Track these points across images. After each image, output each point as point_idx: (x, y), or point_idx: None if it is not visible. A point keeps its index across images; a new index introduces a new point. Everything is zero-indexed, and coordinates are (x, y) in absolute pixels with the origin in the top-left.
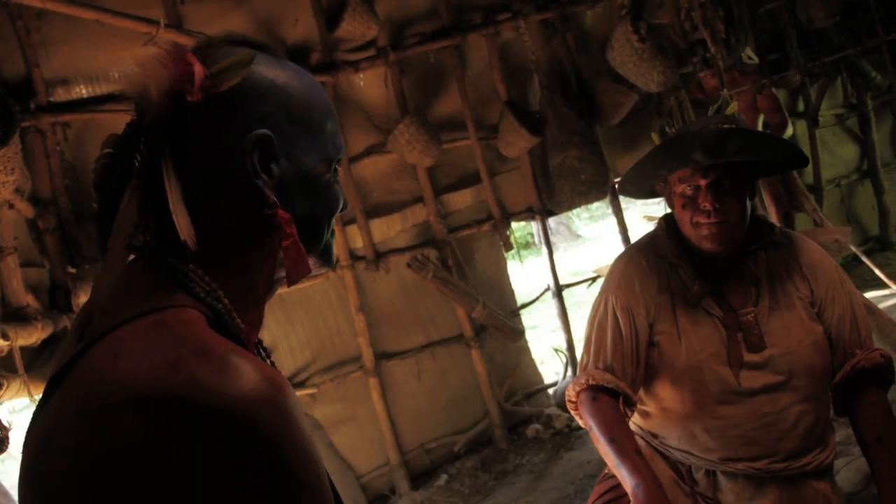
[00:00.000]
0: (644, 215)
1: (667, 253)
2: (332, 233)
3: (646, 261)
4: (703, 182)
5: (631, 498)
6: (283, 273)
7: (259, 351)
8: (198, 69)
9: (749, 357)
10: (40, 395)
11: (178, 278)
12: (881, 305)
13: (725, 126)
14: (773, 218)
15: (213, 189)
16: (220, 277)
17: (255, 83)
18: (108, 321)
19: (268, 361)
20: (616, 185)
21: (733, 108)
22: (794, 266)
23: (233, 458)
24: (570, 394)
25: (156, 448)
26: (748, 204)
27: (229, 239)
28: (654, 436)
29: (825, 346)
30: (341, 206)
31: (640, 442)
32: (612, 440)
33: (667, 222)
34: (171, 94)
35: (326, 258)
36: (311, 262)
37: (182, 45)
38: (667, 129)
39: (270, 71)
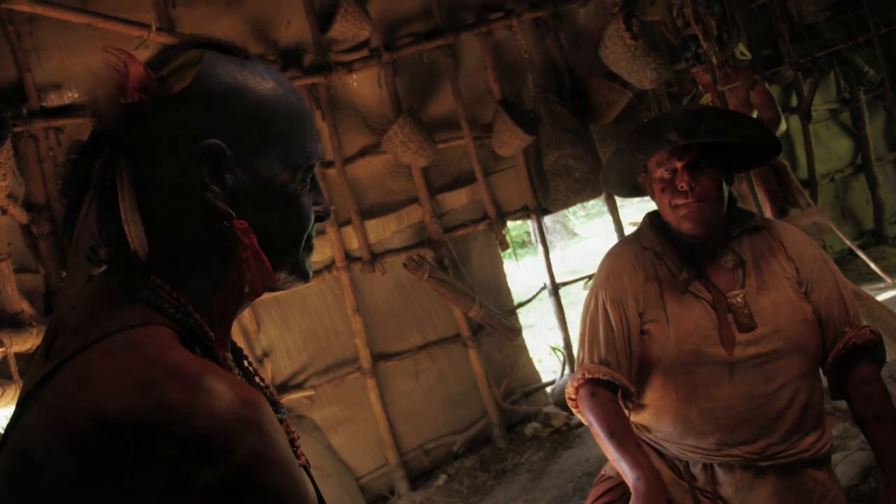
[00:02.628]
0: (630, 222)
1: (651, 244)
2: (310, 247)
3: (632, 253)
4: (679, 164)
5: (632, 491)
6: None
7: (240, 361)
8: (133, 70)
9: (741, 337)
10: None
11: (145, 294)
12: (878, 299)
13: (697, 106)
14: (768, 213)
15: (172, 199)
16: (189, 292)
17: (210, 86)
18: (75, 341)
19: (250, 369)
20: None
21: (706, 99)
22: (778, 248)
23: (208, 483)
24: (569, 391)
25: (127, 476)
26: (725, 187)
27: (194, 252)
28: (649, 430)
29: (815, 325)
30: (313, 219)
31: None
32: (612, 435)
33: (650, 217)
34: (119, 99)
35: (300, 273)
36: (282, 276)
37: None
38: (645, 121)
39: (229, 73)
